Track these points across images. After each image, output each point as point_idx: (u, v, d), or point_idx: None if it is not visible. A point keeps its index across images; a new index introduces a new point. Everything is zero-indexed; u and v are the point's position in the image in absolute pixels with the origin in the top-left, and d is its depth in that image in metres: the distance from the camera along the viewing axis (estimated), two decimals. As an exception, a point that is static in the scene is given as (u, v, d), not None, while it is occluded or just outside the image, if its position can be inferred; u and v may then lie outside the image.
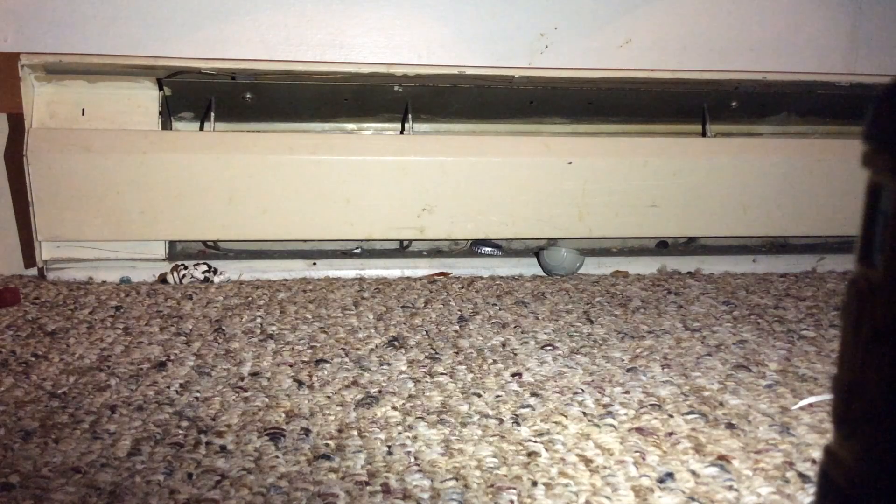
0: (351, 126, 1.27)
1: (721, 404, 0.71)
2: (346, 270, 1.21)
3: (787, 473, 0.58)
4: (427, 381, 0.76)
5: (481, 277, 1.21)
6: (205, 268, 1.15)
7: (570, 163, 1.18)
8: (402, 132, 1.25)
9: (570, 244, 1.24)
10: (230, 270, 1.17)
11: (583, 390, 0.74)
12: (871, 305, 0.37)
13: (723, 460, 0.60)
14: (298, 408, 0.69)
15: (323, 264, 1.21)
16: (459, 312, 1.00)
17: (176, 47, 1.20)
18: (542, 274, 1.24)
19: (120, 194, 1.10)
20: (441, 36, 1.27)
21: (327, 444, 0.62)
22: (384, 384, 0.75)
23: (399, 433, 0.64)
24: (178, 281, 1.14)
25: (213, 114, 1.19)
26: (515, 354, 0.84)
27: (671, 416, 0.68)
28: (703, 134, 1.30)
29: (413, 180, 1.16)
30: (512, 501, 0.54)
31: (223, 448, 0.61)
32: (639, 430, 0.65)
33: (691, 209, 1.23)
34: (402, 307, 1.02)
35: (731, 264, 1.28)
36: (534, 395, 0.73)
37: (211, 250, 1.23)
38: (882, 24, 1.38)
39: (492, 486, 0.56)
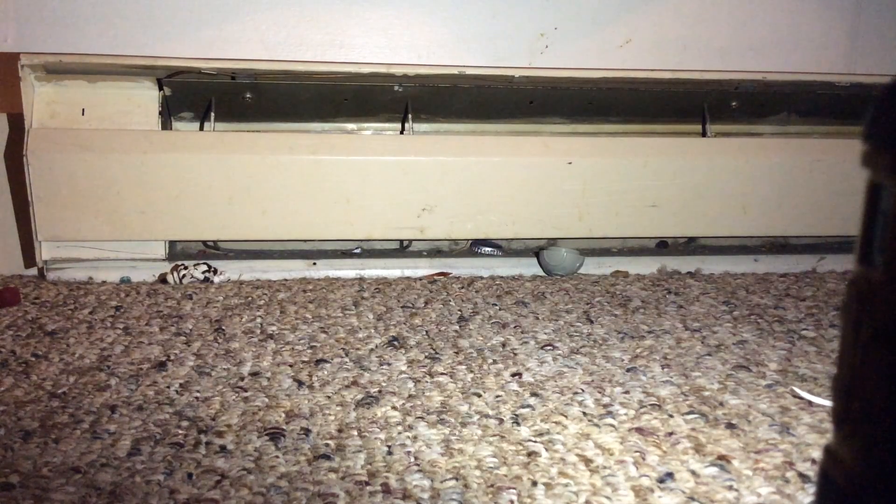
0: (351, 126, 1.27)
1: (721, 404, 0.71)
2: (346, 270, 1.21)
3: (787, 473, 0.58)
4: (427, 381, 0.76)
5: (481, 277, 1.21)
6: (205, 268, 1.15)
7: (570, 163, 1.18)
8: (402, 132, 1.25)
9: (570, 244, 1.24)
10: (230, 270, 1.17)
11: (583, 390, 0.74)
12: (870, 305, 0.37)
13: (723, 460, 0.60)
14: (298, 408, 0.69)
15: (323, 264, 1.21)
16: (459, 312, 1.00)
17: (176, 47, 1.20)
18: (542, 274, 1.24)
19: (120, 194, 1.10)
20: (441, 36, 1.27)
21: (327, 444, 0.62)
22: (384, 384, 0.75)
23: (399, 433, 0.64)
24: (178, 281, 1.14)
25: (213, 114, 1.19)
26: (515, 354, 0.84)
27: (671, 416, 0.68)
28: (703, 134, 1.30)
29: (413, 180, 1.16)
30: (512, 501, 0.54)
31: (223, 448, 0.61)
32: (639, 430, 0.65)
33: (691, 209, 1.23)
34: (402, 307, 1.02)
35: (731, 264, 1.28)
36: (534, 395, 0.73)
37: (211, 250, 1.23)
38: (882, 24, 1.38)
39: (492, 486, 0.56)
